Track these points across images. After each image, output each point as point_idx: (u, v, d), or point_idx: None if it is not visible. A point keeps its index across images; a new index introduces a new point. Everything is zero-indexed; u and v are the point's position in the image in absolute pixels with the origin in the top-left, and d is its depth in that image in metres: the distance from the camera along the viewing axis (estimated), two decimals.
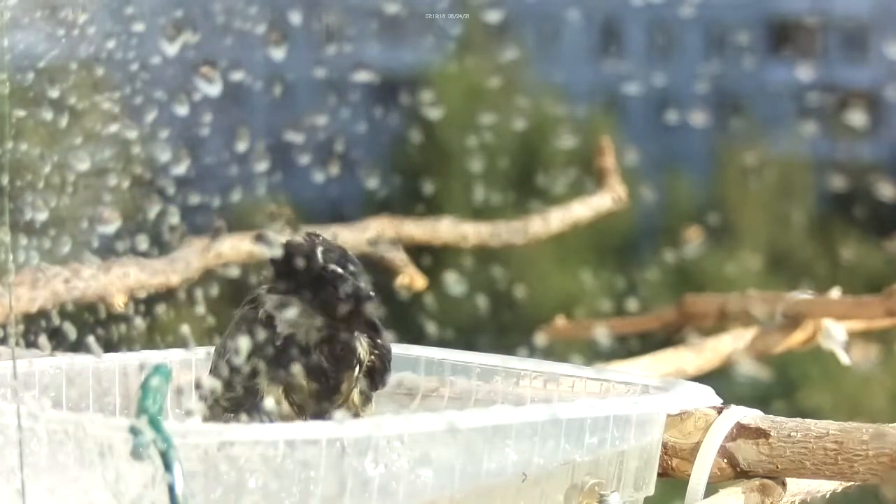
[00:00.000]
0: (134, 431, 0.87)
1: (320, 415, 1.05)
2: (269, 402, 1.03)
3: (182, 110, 1.05)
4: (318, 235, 1.05)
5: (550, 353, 1.21)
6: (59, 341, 1.03)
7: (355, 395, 1.07)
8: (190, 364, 1.13)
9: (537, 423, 1.00)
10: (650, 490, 1.09)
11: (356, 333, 1.05)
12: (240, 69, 1.09)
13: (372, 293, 1.04)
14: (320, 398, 1.05)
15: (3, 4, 0.98)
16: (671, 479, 1.13)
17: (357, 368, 1.06)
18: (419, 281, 1.94)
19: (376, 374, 1.08)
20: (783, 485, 1.11)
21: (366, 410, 1.08)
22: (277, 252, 1.05)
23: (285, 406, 1.04)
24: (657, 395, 1.11)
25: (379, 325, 1.05)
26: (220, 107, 1.05)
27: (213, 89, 1.02)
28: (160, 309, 1.19)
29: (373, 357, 1.07)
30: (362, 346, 1.06)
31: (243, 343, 1.03)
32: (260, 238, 1.06)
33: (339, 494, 0.92)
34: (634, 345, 1.93)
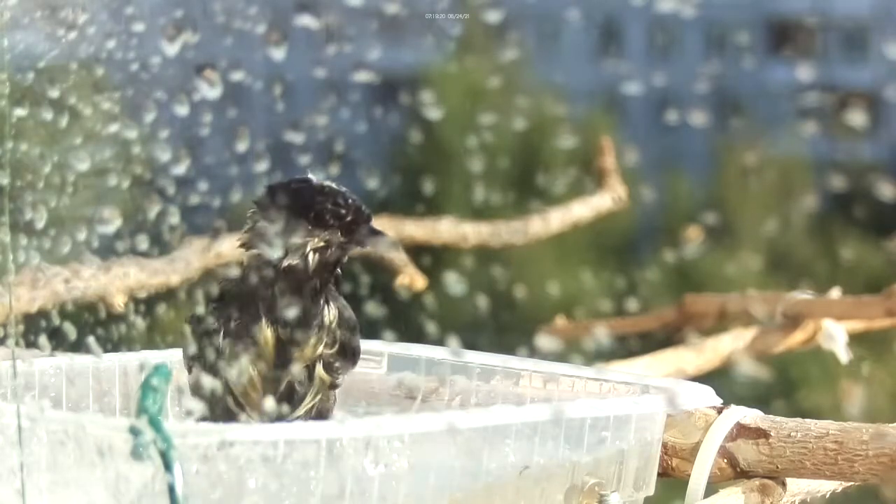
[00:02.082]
0: (134, 431, 0.87)
1: (283, 371, 1.04)
2: (233, 373, 1.03)
3: (182, 110, 1.05)
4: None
5: (550, 353, 1.20)
6: (59, 341, 1.03)
7: (320, 370, 1.06)
8: None
9: (537, 423, 1.00)
10: (650, 490, 1.09)
11: (327, 299, 1.05)
12: (240, 69, 1.09)
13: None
14: (284, 350, 1.04)
15: (3, 4, 0.98)
16: (671, 479, 1.13)
17: (322, 330, 1.05)
18: (419, 281, 1.94)
19: (346, 348, 1.07)
20: (783, 485, 1.11)
21: (329, 397, 1.08)
22: (277, 252, 1.05)
23: (249, 367, 1.04)
24: (657, 395, 1.11)
25: (384, 235, 1.06)
26: (220, 107, 1.05)
27: (214, 92, 1.02)
28: (160, 309, 1.19)
29: (339, 329, 1.07)
30: (329, 311, 1.06)
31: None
32: (260, 238, 1.07)
33: (339, 494, 0.92)
34: (634, 345, 1.93)
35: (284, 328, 1.04)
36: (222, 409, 1.04)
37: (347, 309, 1.08)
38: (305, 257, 1.04)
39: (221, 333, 1.04)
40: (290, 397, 1.05)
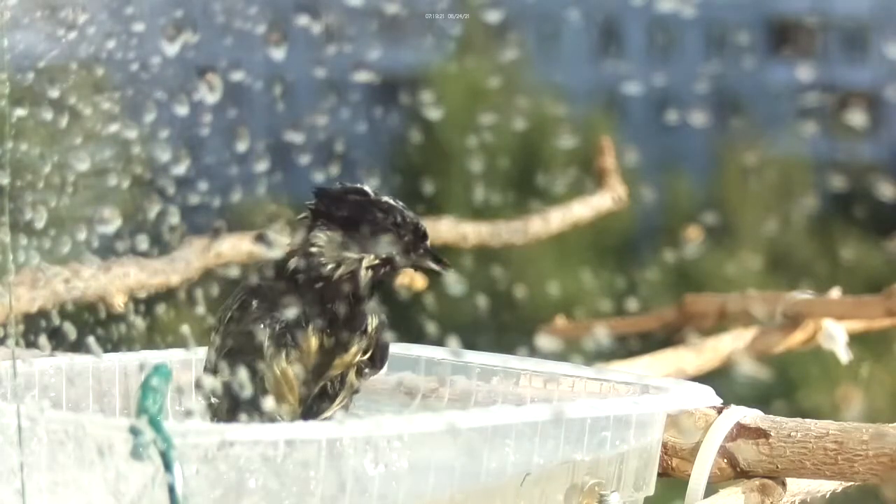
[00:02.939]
0: (134, 431, 0.87)
1: (320, 376, 1.04)
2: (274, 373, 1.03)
3: (182, 110, 1.05)
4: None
5: (550, 353, 1.20)
6: (59, 341, 1.03)
7: (352, 375, 1.07)
8: (190, 364, 1.13)
9: (537, 423, 1.00)
10: (650, 490, 1.09)
11: (370, 307, 1.06)
12: (240, 69, 1.09)
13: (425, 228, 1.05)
14: (326, 355, 1.04)
15: (3, 4, 0.98)
16: (671, 479, 1.13)
17: (364, 338, 1.06)
18: (419, 281, 1.94)
19: (376, 355, 1.08)
20: (783, 485, 1.11)
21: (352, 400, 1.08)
22: (278, 252, 1.05)
23: (288, 368, 1.04)
24: (657, 395, 1.11)
25: (440, 258, 1.06)
26: (220, 107, 1.05)
27: (213, 96, 1.02)
28: (160, 309, 1.19)
29: (375, 336, 1.07)
30: (373, 320, 1.06)
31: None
32: (260, 238, 1.07)
33: (339, 494, 0.92)
34: (634, 345, 1.93)
35: (329, 337, 1.04)
36: (249, 406, 1.03)
37: (382, 314, 1.08)
38: (356, 273, 1.04)
39: (266, 335, 1.04)
40: (321, 400, 1.06)
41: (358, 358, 1.06)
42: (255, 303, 1.05)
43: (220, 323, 1.07)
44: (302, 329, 1.04)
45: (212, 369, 1.06)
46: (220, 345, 1.06)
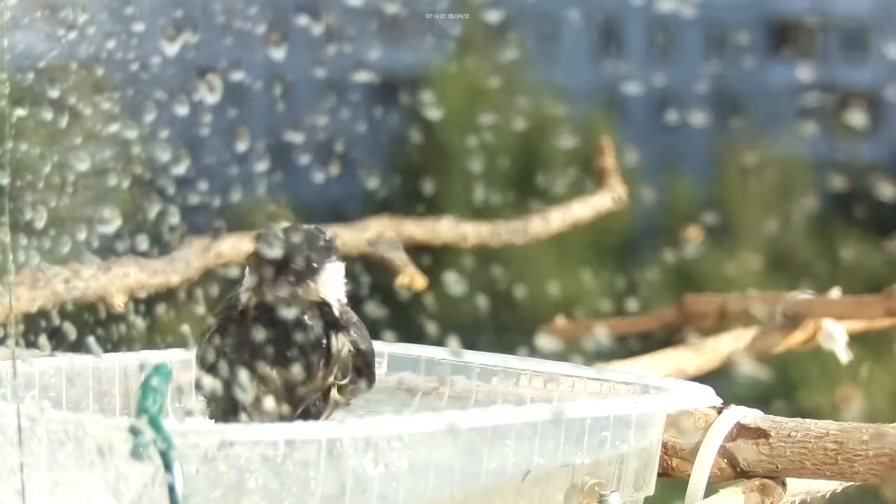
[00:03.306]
0: (134, 431, 0.87)
1: (294, 404, 1.04)
2: (247, 397, 1.03)
3: (182, 110, 1.05)
4: (316, 230, 1.06)
5: (550, 353, 1.20)
6: (59, 341, 1.03)
7: (334, 393, 1.06)
8: (190, 364, 1.13)
9: (537, 423, 1.00)
10: (650, 490, 1.09)
11: (335, 328, 1.05)
12: (240, 69, 1.09)
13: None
14: (291, 387, 1.04)
15: (3, 4, 0.98)
16: (671, 479, 1.13)
17: (330, 362, 1.05)
18: (419, 281, 1.94)
19: (362, 371, 1.08)
20: (783, 485, 1.11)
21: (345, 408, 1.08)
22: (278, 252, 1.05)
23: (266, 402, 1.04)
24: (657, 395, 1.11)
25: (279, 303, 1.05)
26: (220, 107, 1.05)
27: (213, 96, 1.02)
28: (160, 309, 1.19)
29: (352, 354, 1.06)
30: (337, 341, 1.06)
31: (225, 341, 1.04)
32: (260, 238, 1.07)
33: (339, 494, 0.92)
34: (634, 345, 1.93)
35: (285, 369, 1.04)
36: (234, 414, 1.04)
37: (362, 329, 1.07)
38: (246, 308, 1.05)
39: (237, 361, 1.04)
40: (306, 417, 1.05)
41: (331, 380, 1.06)
42: (231, 327, 1.05)
43: (202, 336, 1.07)
44: (261, 364, 1.04)
45: (201, 367, 1.06)
46: (202, 358, 1.06)
